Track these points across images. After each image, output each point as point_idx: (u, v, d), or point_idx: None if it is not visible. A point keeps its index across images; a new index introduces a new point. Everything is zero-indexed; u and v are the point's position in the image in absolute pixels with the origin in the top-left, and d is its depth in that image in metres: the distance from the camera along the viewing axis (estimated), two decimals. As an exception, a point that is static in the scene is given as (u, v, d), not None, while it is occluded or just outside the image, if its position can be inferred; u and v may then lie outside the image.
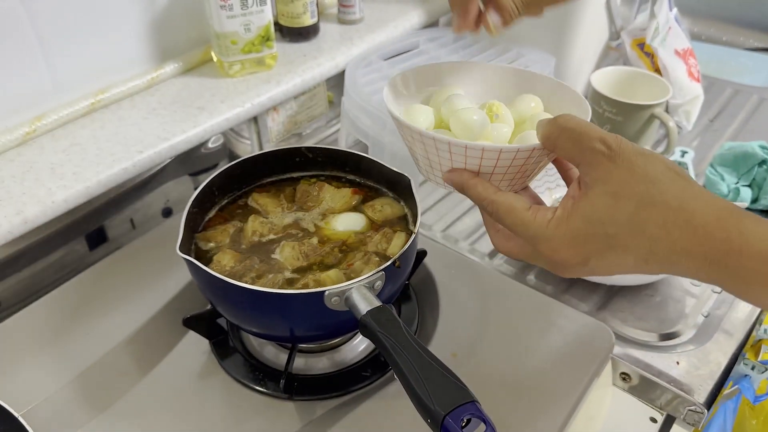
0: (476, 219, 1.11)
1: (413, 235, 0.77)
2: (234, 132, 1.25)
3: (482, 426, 0.54)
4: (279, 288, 0.76)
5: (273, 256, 0.82)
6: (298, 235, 0.84)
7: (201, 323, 0.83)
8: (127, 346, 0.85)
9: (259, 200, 0.89)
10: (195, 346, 0.85)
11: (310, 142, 1.31)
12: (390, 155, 1.06)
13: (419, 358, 0.61)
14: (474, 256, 1.05)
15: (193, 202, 0.82)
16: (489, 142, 0.61)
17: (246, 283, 0.76)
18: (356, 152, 0.91)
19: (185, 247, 0.76)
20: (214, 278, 0.71)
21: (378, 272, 0.71)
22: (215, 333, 0.85)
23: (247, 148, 1.26)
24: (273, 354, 0.84)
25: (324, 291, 0.69)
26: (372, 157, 0.89)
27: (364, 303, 0.68)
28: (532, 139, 0.57)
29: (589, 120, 0.56)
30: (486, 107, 0.67)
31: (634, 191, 0.44)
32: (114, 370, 0.82)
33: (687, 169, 1.16)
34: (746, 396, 0.99)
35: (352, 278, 0.72)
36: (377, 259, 0.80)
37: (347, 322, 0.71)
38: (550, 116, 0.63)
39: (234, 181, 0.90)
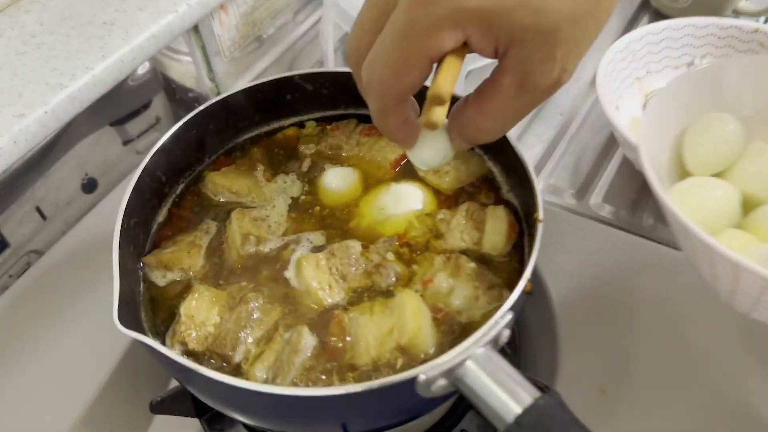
0: (585, 159, 0.76)
1: (539, 225, 0.43)
2: (167, 49, 0.85)
3: None
4: (306, 355, 0.42)
5: (286, 275, 0.47)
6: (323, 236, 0.49)
7: (180, 402, 0.50)
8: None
9: (221, 183, 0.53)
10: (176, 428, 0.52)
11: (277, 49, 0.92)
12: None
13: None
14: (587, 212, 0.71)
15: (125, 214, 0.45)
16: None
17: (249, 352, 0.43)
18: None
19: (128, 312, 0.41)
20: (202, 377, 0.37)
21: (504, 314, 0.38)
22: (205, 406, 0.52)
23: (189, 70, 0.87)
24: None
25: (416, 377, 0.36)
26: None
27: (502, 391, 0.36)
28: None
29: None
30: None
31: None
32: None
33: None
34: None
35: (438, 307, 0.39)
36: (471, 265, 0.46)
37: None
38: None
39: (188, 152, 0.53)
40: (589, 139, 0.77)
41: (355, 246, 0.48)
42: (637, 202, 0.70)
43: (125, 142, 0.84)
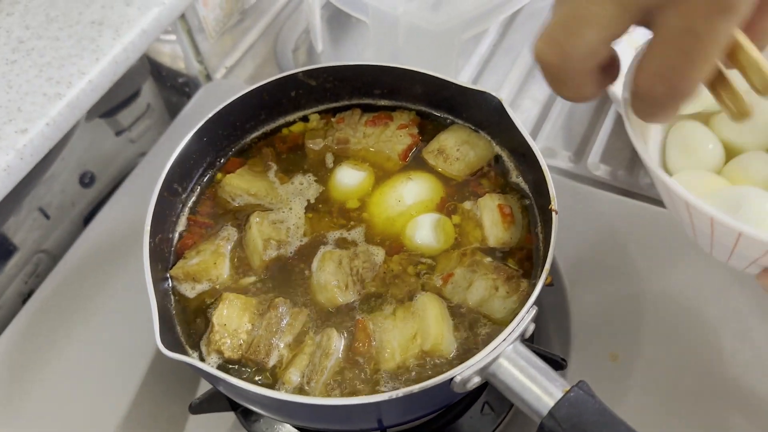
0: (580, 119, 0.77)
1: (554, 215, 0.45)
2: (151, 34, 0.83)
3: None
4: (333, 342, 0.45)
5: (312, 269, 0.49)
6: (343, 232, 0.51)
7: (217, 400, 0.52)
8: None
9: (239, 186, 0.53)
10: (212, 424, 0.55)
11: (261, 23, 0.91)
12: (413, 38, 0.69)
13: None
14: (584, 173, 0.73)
15: (150, 233, 0.46)
16: None
17: (282, 356, 0.45)
18: (388, 65, 0.55)
19: (165, 330, 0.42)
20: (254, 395, 0.39)
21: (529, 309, 0.40)
22: (240, 400, 0.54)
23: (175, 50, 0.86)
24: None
25: (452, 378, 0.38)
26: (424, 71, 0.53)
27: (534, 386, 0.38)
28: None
29: None
30: None
31: None
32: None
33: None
34: None
35: (462, 303, 0.43)
36: (487, 259, 0.48)
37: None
38: None
39: (200, 160, 0.54)
40: (582, 98, 0.78)
41: (379, 254, 0.50)
42: (633, 161, 0.72)
43: (118, 133, 0.83)
